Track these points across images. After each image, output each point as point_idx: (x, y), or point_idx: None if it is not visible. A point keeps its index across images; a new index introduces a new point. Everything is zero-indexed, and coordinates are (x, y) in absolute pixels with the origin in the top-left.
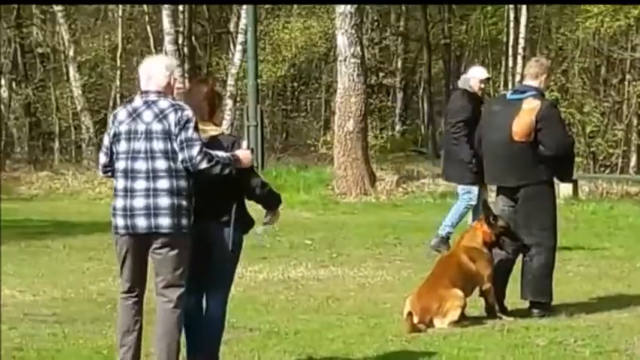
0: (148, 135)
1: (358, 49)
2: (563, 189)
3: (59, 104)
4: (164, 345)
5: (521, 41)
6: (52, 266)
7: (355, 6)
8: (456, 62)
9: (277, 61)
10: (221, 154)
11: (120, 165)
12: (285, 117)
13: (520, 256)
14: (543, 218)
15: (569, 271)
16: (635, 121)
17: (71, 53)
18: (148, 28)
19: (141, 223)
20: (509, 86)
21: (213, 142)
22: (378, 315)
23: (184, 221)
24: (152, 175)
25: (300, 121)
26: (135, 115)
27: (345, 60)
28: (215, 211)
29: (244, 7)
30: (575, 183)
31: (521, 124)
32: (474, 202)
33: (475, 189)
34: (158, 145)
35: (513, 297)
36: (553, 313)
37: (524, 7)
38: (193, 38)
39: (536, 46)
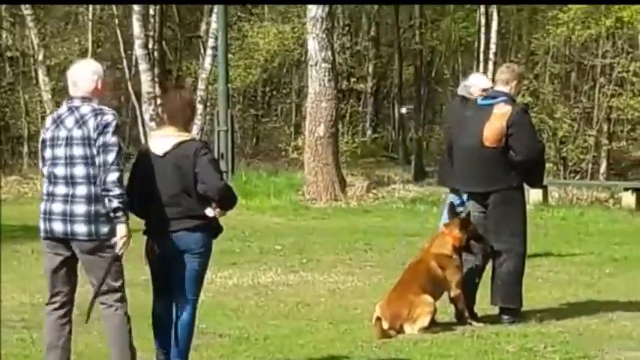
0: (69, 141)
1: (329, 53)
2: (533, 195)
3: (28, 108)
4: (117, 350)
5: (493, 47)
6: (20, 271)
7: (326, 11)
8: (427, 67)
9: (248, 66)
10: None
11: (45, 170)
12: (256, 122)
13: (490, 262)
14: (513, 224)
15: (539, 277)
16: (605, 127)
17: (40, 57)
18: (118, 31)
19: (57, 227)
20: None
21: (180, 147)
22: (349, 321)
23: (104, 229)
24: (71, 181)
25: (271, 126)
26: (59, 121)
27: (316, 65)
28: (183, 217)
29: (215, 11)
30: (545, 189)
31: (493, 129)
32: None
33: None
34: (78, 151)
35: (483, 303)
36: (523, 319)
37: (495, 12)
38: (164, 42)
39: (507, 51)
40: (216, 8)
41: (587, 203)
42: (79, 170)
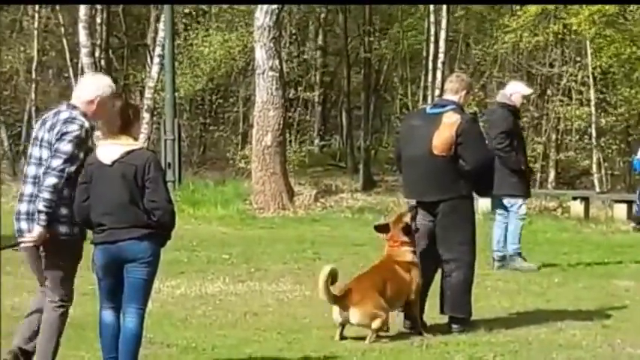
0: (41, 143)
1: (277, 62)
2: (482, 204)
3: None
4: (43, 340)
5: (441, 56)
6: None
7: (274, 19)
8: (375, 76)
9: (195, 74)
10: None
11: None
12: (203, 131)
13: (439, 272)
14: (462, 233)
15: (488, 286)
16: (553, 136)
17: None
18: (64, 40)
19: (24, 226)
20: (429, 100)
21: (128, 156)
22: (297, 330)
23: (62, 229)
24: (37, 181)
25: (218, 135)
26: (42, 123)
27: (263, 73)
28: (130, 226)
29: (162, 19)
30: (493, 198)
31: (442, 138)
32: (523, 214)
33: (520, 201)
34: (43, 154)
35: (432, 312)
36: (472, 328)
37: (444, 21)
38: (110, 51)
39: (455, 61)
40: (162, 17)
41: (535, 212)
42: (36, 170)
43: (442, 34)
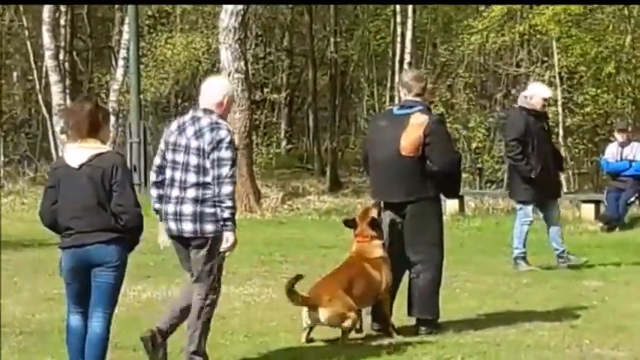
0: (187, 150)
1: (242, 64)
2: (450, 205)
3: None
4: (190, 323)
5: (407, 57)
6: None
7: (239, 20)
8: (341, 77)
9: (161, 76)
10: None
11: (167, 173)
12: None
13: (407, 273)
14: (430, 235)
15: (457, 287)
16: None
17: None
18: (28, 43)
19: (172, 226)
20: (396, 101)
21: (96, 159)
22: (264, 333)
23: (210, 227)
24: (183, 185)
25: None
26: (182, 129)
27: (229, 75)
28: (98, 229)
29: (126, 21)
30: (461, 199)
31: (410, 138)
32: (529, 219)
33: (528, 206)
34: (191, 160)
35: (400, 314)
36: (440, 330)
37: (410, 21)
38: (74, 53)
39: (421, 61)
40: (127, 19)
41: (503, 213)
42: (191, 177)
43: (408, 35)
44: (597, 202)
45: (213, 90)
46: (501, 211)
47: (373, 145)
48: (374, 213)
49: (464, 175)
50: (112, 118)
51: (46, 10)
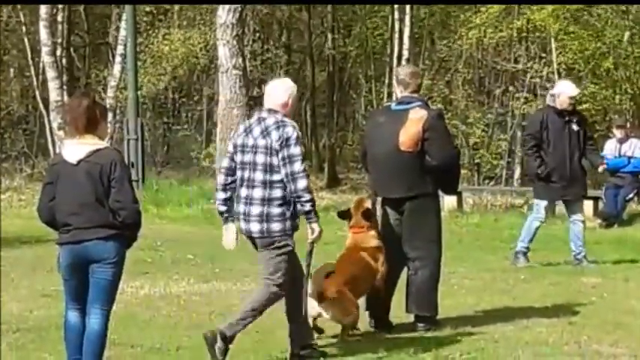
0: (255, 150)
1: (240, 60)
2: (448, 201)
3: None
4: (247, 304)
5: (405, 53)
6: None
7: (237, 17)
8: (339, 73)
9: (158, 73)
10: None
11: (237, 173)
12: (167, 130)
13: (405, 269)
14: (428, 231)
15: (455, 284)
16: (519, 133)
17: None
18: (25, 39)
19: (242, 225)
20: (394, 97)
21: (94, 155)
22: (262, 330)
23: (275, 226)
24: (251, 184)
25: (182, 134)
26: (248, 130)
27: (226, 72)
28: (96, 226)
29: (124, 18)
30: (459, 195)
31: (409, 134)
32: (540, 216)
33: (542, 203)
34: (260, 159)
35: (398, 311)
36: (438, 326)
37: (407, 17)
38: (72, 49)
39: (419, 57)
40: (124, 15)
41: (501, 209)
42: (259, 175)
43: (406, 31)
44: (596, 199)
45: (279, 91)
46: (499, 208)
47: (372, 141)
48: (368, 203)
49: (462, 171)
50: (110, 115)
51: (44, 6)
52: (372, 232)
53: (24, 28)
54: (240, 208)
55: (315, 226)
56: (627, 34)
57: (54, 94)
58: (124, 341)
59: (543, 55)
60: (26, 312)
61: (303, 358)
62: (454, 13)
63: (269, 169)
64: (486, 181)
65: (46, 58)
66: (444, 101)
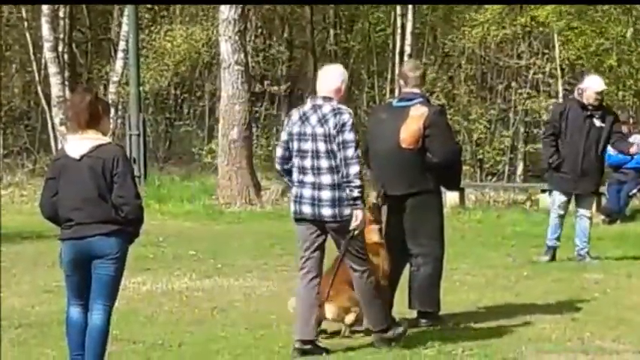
0: (314, 137)
1: (242, 56)
2: (450, 197)
3: None
4: (365, 308)
5: (408, 49)
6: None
7: (239, 12)
8: None
9: (160, 69)
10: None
11: (295, 161)
12: (169, 126)
13: (407, 266)
14: (431, 227)
15: (457, 280)
16: (521, 129)
17: None
18: (27, 34)
19: (307, 210)
20: (396, 93)
21: (96, 151)
22: (265, 326)
23: (346, 210)
24: (317, 172)
25: (184, 130)
26: (304, 118)
27: (228, 67)
28: (98, 221)
29: (125, 13)
30: (462, 191)
31: (410, 130)
32: (556, 209)
33: (555, 194)
34: (321, 147)
35: (401, 307)
36: (441, 322)
37: (410, 13)
38: (73, 45)
39: (422, 53)
40: (126, 10)
41: (504, 205)
42: (324, 162)
43: (409, 27)
44: (599, 195)
45: (331, 77)
46: (502, 204)
47: (373, 138)
48: (373, 197)
49: (465, 168)
50: (112, 111)
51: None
52: (375, 227)
53: (26, 24)
54: (306, 192)
55: (359, 213)
56: (631, 30)
57: (56, 90)
58: (126, 337)
59: (546, 51)
60: (28, 307)
61: (308, 353)
62: (457, 8)
63: (332, 155)
64: (489, 178)
65: (47, 54)
66: (447, 97)
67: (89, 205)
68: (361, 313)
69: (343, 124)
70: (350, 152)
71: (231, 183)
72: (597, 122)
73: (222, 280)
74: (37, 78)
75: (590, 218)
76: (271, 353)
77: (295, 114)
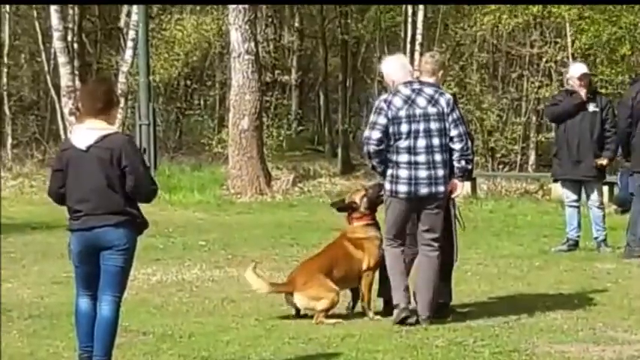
0: (426, 118)
1: (252, 45)
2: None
3: None
4: (425, 290)
5: (419, 37)
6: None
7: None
8: (352, 58)
9: (171, 58)
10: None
11: (403, 143)
12: (180, 115)
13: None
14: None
15: (468, 270)
16: (533, 118)
17: None
18: (37, 24)
19: (423, 190)
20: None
21: (104, 141)
22: (275, 316)
23: (442, 188)
24: (431, 150)
25: (194, 120)
26: (410, 101)
27: (239, 56)
28: (107, 212)
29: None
30: (473, 181)
31: None
32: (566, 198)
33: (558, 185)
34: (434, 125)
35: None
36: (452, 313)
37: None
38: (83, 35)
39: (433, 42)
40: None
41: (516, 195)
42: (436, 141)
43: (420, 15)
44: (611, 185)
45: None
46: (514, 194)
47: None
48: (369, 193)
49: (476, 157)
50: (121, 100)
51: None
52: (364, 222)
53: (35, 13)
54: (421, 173)
55: (466, 184)
56: None
57: (65, 80)
58: (135, 328)
59: (558, 39)
60: (37, 298)
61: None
62: None
63: (443, 133)
64: (501, 167)
65: (57, 44)
66: (459, 85)
67: (98, 196)
68: (335, 298)
69: (450, 103)
70: (463, 128)
71: (241, 173)
72: (591, 107)
73: (233, 271)
74: (46, 68)
75: (601, 207)
76: (281, 344)
77: (397, 99)
